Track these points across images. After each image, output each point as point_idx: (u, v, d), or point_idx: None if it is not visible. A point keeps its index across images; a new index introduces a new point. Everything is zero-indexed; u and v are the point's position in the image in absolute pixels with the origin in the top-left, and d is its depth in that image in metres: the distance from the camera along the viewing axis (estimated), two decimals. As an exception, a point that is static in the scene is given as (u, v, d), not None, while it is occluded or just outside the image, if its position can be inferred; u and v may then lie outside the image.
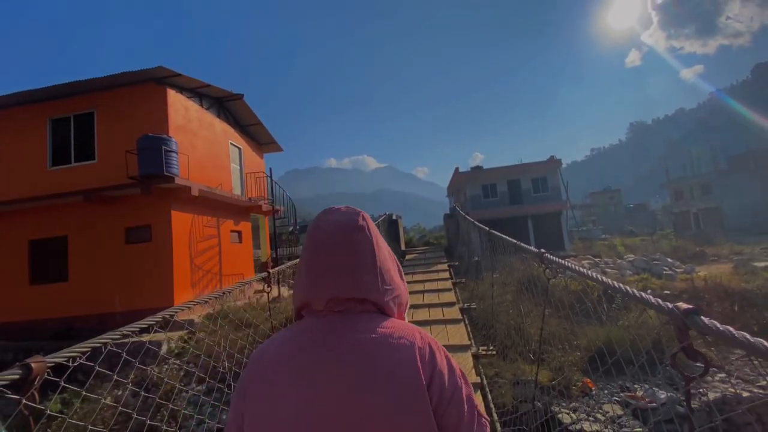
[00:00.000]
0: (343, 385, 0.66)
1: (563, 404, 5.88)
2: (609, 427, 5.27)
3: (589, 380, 6.39)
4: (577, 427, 5.25)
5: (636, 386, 6.18)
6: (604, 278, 1.35)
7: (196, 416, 5.43)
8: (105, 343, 1.39)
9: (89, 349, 1.28)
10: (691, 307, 0.89)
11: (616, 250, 20.37)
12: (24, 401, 1.06)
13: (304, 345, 0.73)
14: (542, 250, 2.12)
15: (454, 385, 0.70)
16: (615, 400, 5.99)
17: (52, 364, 1.13)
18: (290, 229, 14.46)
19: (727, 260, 15.14)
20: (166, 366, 7.12)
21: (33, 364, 1.06)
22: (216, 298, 2.20)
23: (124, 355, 1.72)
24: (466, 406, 0.69)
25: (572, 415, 5.53)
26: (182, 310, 1.80)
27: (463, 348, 3.95)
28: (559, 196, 25.14)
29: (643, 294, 1.12)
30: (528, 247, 2.42)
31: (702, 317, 0.86)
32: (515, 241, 2.93)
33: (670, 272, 11.75)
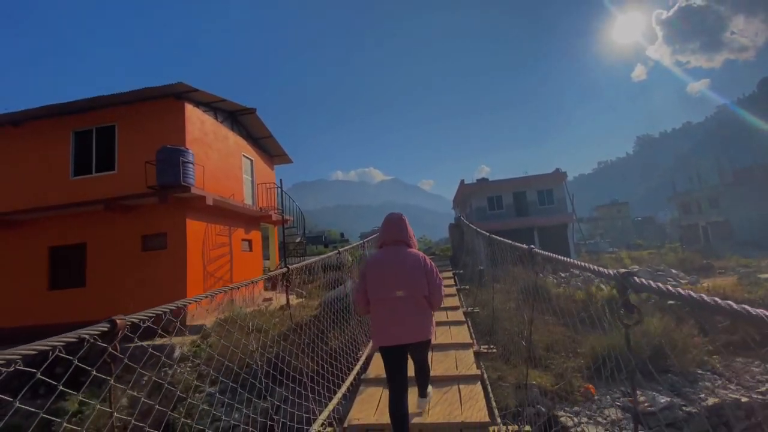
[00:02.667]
0: (398, 265, 2.61)
1: (566, 408, 6.02)
2: (609, 429, 5.41)
3: (591, 386, 6.53)
4: (579, 429, 5.39)
5: (638, 392, 6.30)
6: (568, 259, 1.61)
7: (213, 412, 5.70)
8: (158, 314, 1.66)
9: (154, 315, 1.56)
10: (627, 270, 1.16)
11: (623, 262, 20.41)
12: (110, 349, 1.35)
13: (385, 255, 2.70)
14: (531, 246, 2.38)
15: (431, 267, 2.66)
16: (616, 404, 6.12)
17: (130, 322, 1.42)
18: (298, 240, 14.76)
19: (734, 273, 15.14)
20: (179, 369, 7.38)
21: (117, 320, 1.35)
22: (229, 290, 2.39)
23: (151, 347, 1.99)
24: (434, 273, 2.65)
25: (574, 418, 5.67)
26: (196, 301, 2.02)
27: (465, 346, 4.18)
28: (565, 208, 25.26)
29: (592, 266, 1.39)
30: (520, 245, 2.69)
31: (635, 278, 1.12)
32: (510, 242, 3.20)
33: (674, 283, 11.83)
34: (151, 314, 1.53)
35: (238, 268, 11.43)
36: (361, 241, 7.00)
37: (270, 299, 11.90)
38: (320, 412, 3.01)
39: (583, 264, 1.49)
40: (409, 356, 2.62)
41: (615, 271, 1.20)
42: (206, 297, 1.99)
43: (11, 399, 1.24)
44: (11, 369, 1.06)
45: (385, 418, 2.75)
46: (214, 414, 6.21)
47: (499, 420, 2.78)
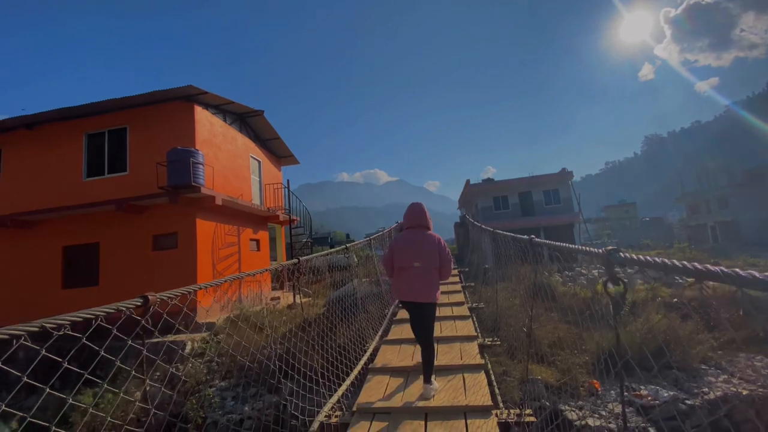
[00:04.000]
0: (417, 244, 3.39)
1: (570, 403, 6.09)
2: (613, 422, 5.47)
3: (595, 381, 6.59)
4: (583, 422, 5.46)
5: (641, 387, 6.35)
6: (564, 244, 1.73)
7: (224, 403, 5.85)
8: (183, 294, 1.80)
9: (180, 294, 1.70)
10: (613, 247, 1.28)
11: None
12: (142, 322, 1.49)
13: (408, 235, 3.49)
14: (532, 236, 2.50)
15: (445, 248, 3.41)
16: (620, 399, 6.17)
17: (160, 299, 1.56)
18: (304, 240, 14.90)
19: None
20: (191, 364, 7.55)
21: (149, 296, 1.50)
22: (236, 279, 2.53)
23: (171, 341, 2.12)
24: (446, 251, 3.40)
25: (578, 412, 5.74)
26: (217, 284, 2.15)
27: (470, 338, 4.28)
28: (572, 208, 25.20)
29: (581, 247, 1.50)
30: (521, 236, 2.80)
31: (620, 253, 1.24)
32: (513, 234, 3.30)
33: (680, 281, 11.82)
34: (177, 293, 1.67)
35: (246, 267, 11.61)
36: (367, 239, 7.14)
37: (277, 298, 12.07)
38: (329, 399, 3.13)
39: (574, 246, 1.61)
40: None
41: (603, 248, 1.32)
42: (225, 281, 2.12)
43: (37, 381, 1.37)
44: (61, 332, 1.20)
45: (392, 403, 2.87)
46: (224, 406, 6.39)
47: (501, 405, 2.89)
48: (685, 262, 0.99)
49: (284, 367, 4.54)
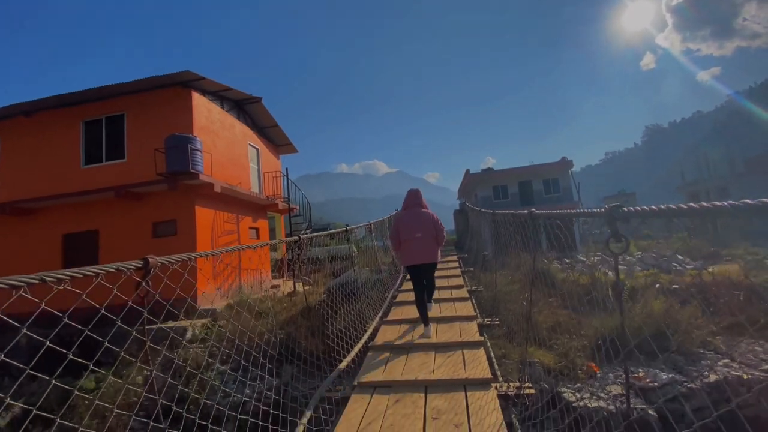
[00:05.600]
0: (416, 218, 4.38)
1: (569, 385, 6.15)
2: (612, 404, 5.53)
3: (594, 364, 6.64)
4: (581, 404, 5.51)
5: (639, 369, 6.40)
6: (564, 211, 1.72)
7: (222, 388, 5.89)
8: (184, 260, 1.80)
9: (180, 259, 1.69)
10: (615, 204, 1.27)
11: (629, 249, 20.32)
12: (143, 284, 1.49)
13: (408, 213, 4.47)
14: (532, 209, 2.49)
15: (438, 221, 4.44)
16: (619, 381, 6.23)
17: (160, 263, 1.55)
18: (303, 231, 14.87)
19: (741, 261, 15.08)
20: (191, 349, 7.59)
21: (150, 259, 1.49)
22: (235, 250, 2.52)
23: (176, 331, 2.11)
24: (440, 223, 4.43)
25: (576, 394, 5.80)
26: (216, 254, 2.15)
27: (469, 318, 4.31)
28: (571, 197, 25.19)
29: (583, 210, 1.50)
30: (520, 212, 2.79)
31: (623, 208, 1.23)
32: (512, 211, 3.29)
33: (679, 268, 11.86)
34: (178, 258, 1.66)
35: (245, 256, 11.62)
36: (368, 224, 7.20)
37: (278, 286, 12.10)
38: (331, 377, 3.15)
39: (574, 211, 1.60)
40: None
41: (604, 207, 1.31)
42: (226, 251, 2.12)
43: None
44: (61, 287, 1.19)
45: (392, 377, 2.89)
46: (225, 390, 6.44)
47: (501, 379, 2.91)
48: (692, 203, 0.98)
49: (284, 353, 4.57)
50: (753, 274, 9.89)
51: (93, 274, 1.26)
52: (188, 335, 8.26)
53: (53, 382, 1.34)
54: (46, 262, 10.01)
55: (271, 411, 2.43)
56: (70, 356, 1.33)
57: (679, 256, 14.02)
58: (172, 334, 2.73)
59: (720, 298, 8.60)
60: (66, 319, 1.29)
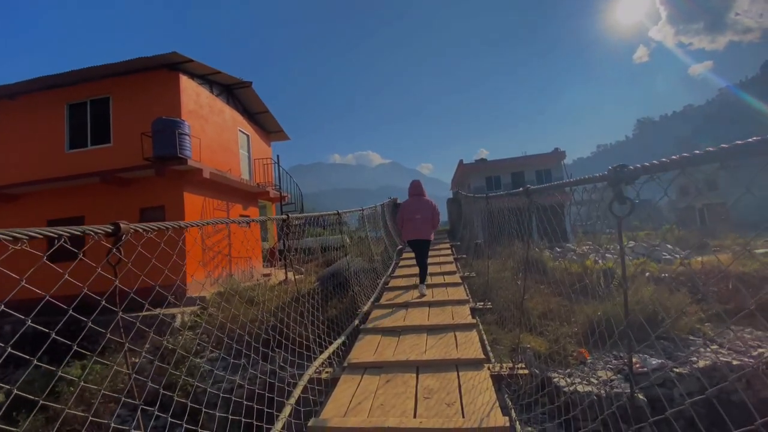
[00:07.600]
0: (417, 204, 5.68)
1: (559, 371, 6.17)
2: (602, 389, 5.56)
3: (584, 350, 6.68)
4: (572, 389, 5.54)
5: (630, 354, 6.46)
6: (555, 183, 1.64)
7: (215, 372, 5.81)
8: (160, 228, 1.69)
9: (156, 228, 1.59)
10: (619, 164, 1.19)
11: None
12: (114, 251, 1.38)
13: (412, 200, 5.78)
14: (528, 186, 2.42)
15: (435, 205, 5.77)
16: (609, 367, 6.27)
17: (133, 230, 1.45)
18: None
19: (730, 251, 15.29)
20: (180, 336, 7.49)
21: (121, 225, 1.38)
22: (221, 222, 2.40)
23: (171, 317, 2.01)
24: (436, 208, 5.76)
25: (567, 379, 5.82)
26: (199, 225, 2.04)
27: (462, 302, 4.26)
28: (563, 189, 25.32)
29: (583, 177, 1.42)
30: (515, 191, 2.72)
31: (628, 167, 1.15)
32: (505, 192, 3.22)
33: (669, 257, 11.97)
34: (154, 227, 1.56)
35: (236, 244, 11.47)
36: (361, 209, 7.18)
37: (269, 275, 11.99)
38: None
39: (574, 179, 1.52)
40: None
41: (608, 168, 1.23)
42: (209, 224, 2.01)
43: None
44: (18, 246, 1.08)
45: (383, 357, 2.82)
46: (216, 376, 6.36)
47: (493, 360, 2.86)
48: (696, 151, 0.91)
49: (274, 335, 4.48)
50: (742, 263, 9.99)
51: (55, 235, 1.16)
52: (177, 322, 8.14)
53: (35, 361, 1.25)
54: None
55: (257, 390, 2.36)
56: (53, 335, 1.23)
57: (669, 246, 14.17)
58: (161, 316, 2.62)
59: (710, 284, 8.69)
60: (59, 305, 1.18)
